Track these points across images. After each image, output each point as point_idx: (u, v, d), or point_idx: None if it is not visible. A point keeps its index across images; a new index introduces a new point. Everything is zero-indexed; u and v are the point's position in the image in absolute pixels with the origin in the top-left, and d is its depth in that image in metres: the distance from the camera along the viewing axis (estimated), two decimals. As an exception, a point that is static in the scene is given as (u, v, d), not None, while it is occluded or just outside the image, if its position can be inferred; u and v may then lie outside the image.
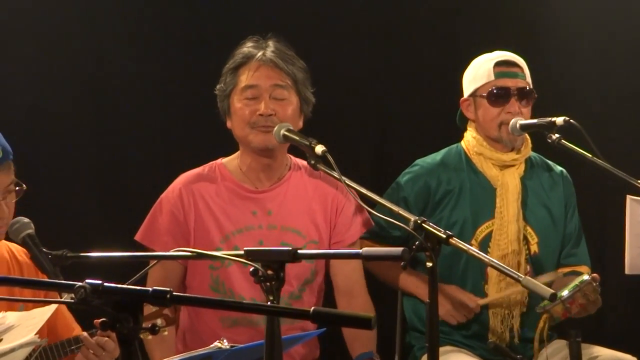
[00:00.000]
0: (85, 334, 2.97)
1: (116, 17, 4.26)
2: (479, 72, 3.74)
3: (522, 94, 3.71)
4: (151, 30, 4.34)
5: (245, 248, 2.53)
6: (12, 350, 2.42)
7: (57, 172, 3.72)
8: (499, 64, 3.71)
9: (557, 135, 3.53)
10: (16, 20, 4.08)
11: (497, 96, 3.69)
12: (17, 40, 4.13)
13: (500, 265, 3.10)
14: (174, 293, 1.88)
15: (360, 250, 3.42)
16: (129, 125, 4.28)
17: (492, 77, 3.70)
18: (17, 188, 2.98)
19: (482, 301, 3.67)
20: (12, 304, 2.77)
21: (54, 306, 2.56)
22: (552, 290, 2.95)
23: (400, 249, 2.69)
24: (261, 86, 3.43)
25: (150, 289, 1.82)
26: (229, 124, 3.52)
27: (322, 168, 3.12)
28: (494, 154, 3.79)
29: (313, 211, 3.58)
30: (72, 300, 1.85)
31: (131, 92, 4.28)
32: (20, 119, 3.82)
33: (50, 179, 3.26)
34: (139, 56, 4.31)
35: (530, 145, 3.83)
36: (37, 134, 3.61)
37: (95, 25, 4.24)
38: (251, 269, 2.52)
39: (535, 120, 3.69)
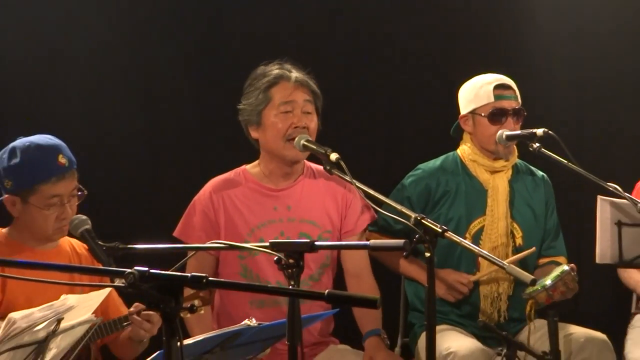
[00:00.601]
0: (132, 310, 3.04)
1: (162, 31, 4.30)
2: (479, 93, 3.77)
3: (516, 113, 3.76)
4: (196, 47, 4.39)
5: (270, 240, 2.61)
6: (72, 327, 2.45)
7: (110, 176, 3.75)
8: (497, 87, 3.75)
9: (537, 144, 3.56)
10: (70, 33, 4.11)
11: (496, 116, 3.73)
12: (74, 50, 4.16)
13: (488, 255, 3.18)
14: (209, 278, 1.95)
15: (368, 242, 3.51)
16: (170, 135, 4.33)
17: (492, 99, 3.73)
18: (79, 193, 3.06)
19: (473, 277, 3.72)
20: (73, 288, 2.80)
21: (107, 290, 2.59)
22: (532, 276, 3.01)
23: (402, 241, 2.78)
24: (296, 102, 3.48)
25: (189, 274, 1.89)
26: (254, 135, 3.55)
27: (336, 173, 3.13)
28: (486, 161, 3.84)
29: (326, 206, 3.63)
30: (123, 285, 1.91)
31: (175, 106, 4.32)
32: (76, 126, 3.86)
33: (105, 182, 3.28)
34: (181, 70, 4.35)
35: (516, 153, 3.87)
36: (93, 141, 3.63)
37: (143, 40, 4.28)
38: (275, 258, 2.58)
39: (519, 132, 3.73)
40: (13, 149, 3.04)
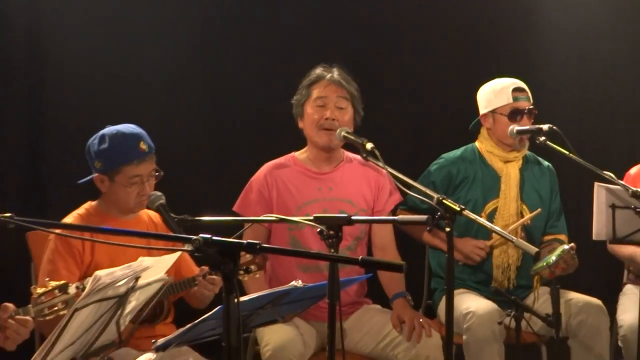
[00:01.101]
0: (198, 273, 3.06)
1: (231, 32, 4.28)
2: (499, 95, 3.74)
3: (529, 112, 3.73)
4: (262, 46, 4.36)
5: (314, 215, 2.61)
6: (148, 284, 2.45)
7: (182, 159, 3.76)
8: (515, 90, 3.72)
9: (543, 137, 3.51)
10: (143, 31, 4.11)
11: (514, 114, 3.71)
12: (153, 52, 4.17)
13: (499, 230, 3.14)
14: (262, 244, 1.95)
15: (397, 217, 3.50)
16: (231, 126, 4.33)
17: (511, 101, 3.71)
18: (156, 174, 3.09)
19: (488, 243, 3.71)
20: (149, 252, 2.82)
21: (177, 253, 2.60)
22: (536, 249, 2.98)
23: (425, 216, 2.77)
24: (328, 97, 3.47)
25: (245, 241, 1.89)
26: (300, 125, 3.56)
27: (371, 160, 3.11)
28: (500, 152, 3.81)
29: (361, 188, 3.62)
30: (191, 249, 1.92)
31: (241, 98, 4.31)
32: (155, 117, 3.88)
33: (177, 164, 3.30)
34: (243, 67, 4.32)
35: (527, 145, 3.82)
36: (168, 130, 3.63)
37: (208, 40, 4.27)
38: (318, 230, 2.57)
39: (527, 127, 3.69)
40: (102, 136, 3.06)
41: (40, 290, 2.53)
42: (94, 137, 3.09)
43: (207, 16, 4.25)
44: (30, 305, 2.50)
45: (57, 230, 2.93)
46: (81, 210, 3.16)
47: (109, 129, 3.07)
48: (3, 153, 3.91)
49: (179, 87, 4.20)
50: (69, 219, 3.14)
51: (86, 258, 3.02)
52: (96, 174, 3.07)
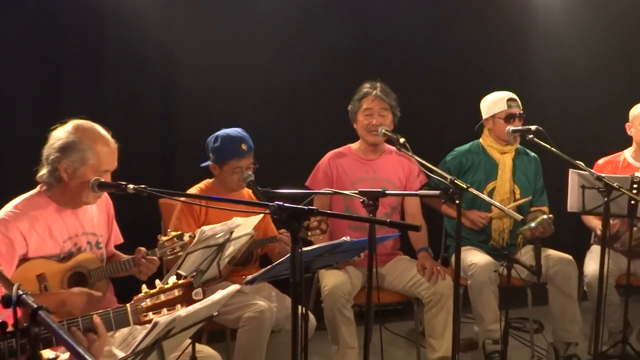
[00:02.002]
0: (280, 232, 3.08)
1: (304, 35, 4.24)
2: (497, 104, 3.67)
3: (520, 116, 3.66)
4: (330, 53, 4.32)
5: (360, 189, 2.64)
6: (239, 237, 2.49)
7: (269, 147, 3.73)
8: (509, 100, 3.66)
9: (531, 135, 3.42)
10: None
11: (509, 118, 3.64)
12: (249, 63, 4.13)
13: (496, 203, 3.11)
14: (320, 209, 1.95)
15: (420, 192, 3.49)
16: (308, 121, 4.32)
17: (506, 108, 3.64)
18: (253, 165, 3.10)
19: (488, 215, 3.68)
20: (241, 214, 2.86)
21: (260, 215, 2.62)
22: (521, 217, 3.02)
23: (439, 191, 2.78)
24: (373, 109, 3.47)
25: (306, 207, 1.91)
26: (355, 126, 3.56)
27: (404, 150, 3.09)
28: (498, 146, 3.74)
29: (397, 171, 3.61)
30: (269, 212, 1.94)
31: (314, 103, 4.29)
32: (253, 120, 3.80)
33: (265, 153, 3.30)
34: (318, 72, 4.28)
35: (518, 141, 3.76)
36: (261, 130, 3.65)
37: (290, 45, 4.22)
38: (362, 200, 2.58)
39: (520, 127, 3.63)
40: (217, 137, 3.10)
41: (164, 238, 2.60)
42: (211, 136, 3.12)
43: (293, 34, 4.23)
44: (156, 249, 2.57)
45: (182, 199, 3.00)
46: (201, 184, 3.21)
47: (222, 132, 3.10)
48: (145, 140, 3.92)
49: (269, 93, 4.19)
50: (192, 190, 3.19)
51: (201, 218, 3.06)
52: (211, 163, 3.12)
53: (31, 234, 2.35)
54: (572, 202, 3.44)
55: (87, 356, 1.13)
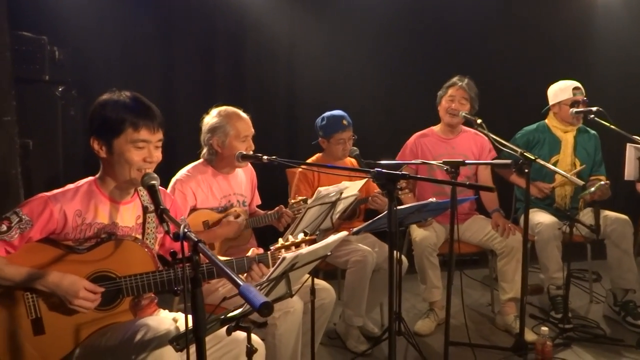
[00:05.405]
0: (374, 194, 3.01)
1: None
2: (564, 92, 3.39)
3: (583, 102, 3.36)
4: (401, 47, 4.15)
5: (444, 160, 2.51)
6: (347, 197, 2.46)
7: (370, 126, 3.71)
8: (574, 88, 3.37)
9: (592, 115, 3.15)
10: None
11: (574, 104, 3.36)
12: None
13: (560, 171, 2.89)
14: (409, 174, 1.89)
15: (493, 161, 3.29)
16: (400, 106, 4.16)
17: (571, 95, 3.36)
18: (354, 137, 3.02)
19: (551, 185, 3.41)
20: (349, 178, 2.82)
21: (364, 180, 2.58)
22: (582, 182, 2.81)
23: (510, 161, 2.62)
24: (456, 96, 3.30)
25: (400, 172, 1.85)
26: (438, 108, 3.40)
27: (480, 129, 2.92)
28: (561, 127, 3.46)
29: (471, 147, 3.42)
30: (371, 177, 1.90)
31: (404, 91, 4.14)
32: (351, 102, 3.72)
33: (366, 130, 3.24)
34: (408, 74, 4.14)
35: (581, 121, 3.45)
36: (361, 108, 3.62)
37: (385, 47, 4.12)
38: (445, 168, 2.47)
39: (582, 109, 3.33)
40: (323, 117, 3.06)
41: (293, 200, 2.65)
42: (318, 118, 3.10)
43: (389, 33, 4.10)
44: (287, 208, 2.63)
45: (300, 167, 3.00)
46: (314, 157, 3.19)
47: (326, 113, 3.07)
48: (275, 121, 3.97)
49: (370, 82, 4.10)
50: (309, 160, 3.18)
51: (315, 184, 3.04)
52: (320, 138, 3.10)
53: (197, 191, 2.51)
54: (629, 172, 3.12)
55: (234, 276, 1.14)
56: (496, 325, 3.25)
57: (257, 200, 2.87)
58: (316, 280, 2.40)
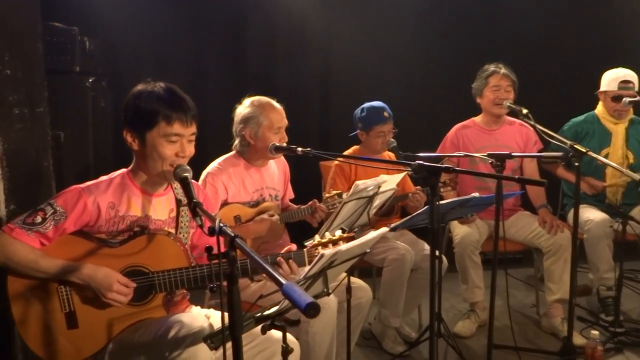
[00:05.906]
0: (414, 190, 2.95)
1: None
2: (611, 82, 3.25)
3: (632, 97, 3.20)
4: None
5: (488, 152, 2.42)
6: (385, 191, 2.39)
7: (410, 119, 3.60)
8: (623, 82, 3.21)
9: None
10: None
11: (616, 99, 3.23)
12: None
13: (613, 164, 2.74)
14: (452, 167, 1.82)
15: (541, 154, 3.17)
16: (440, 99, 4.06)
17: (617, 89, 3.22)
18: (394, 130, 2.96)
19: (603, 184, 3.28)
20: (387, 171, 2.76)
21: (403, 173, 2.51)
22: (638, 176, 2.61)
23: (561, 153, 2.50)
24: (501, 85, 3.17)
25: (443, 165, 1.78)
26: (478, 100, 3.28)
27: (526, 120, 2.78)
28: (611, 118, 3.32)
29: (516, 138, 3.29)
30: (410, 170, 1.84)
31: (443, 86, 4.03)
32: (392, 94, 3.51)
33: (407, 124, 3.16)
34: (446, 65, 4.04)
35: (631, 112, 3.31)
36: (404, 100, 3.58)
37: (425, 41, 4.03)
38: (490, 161, 2.39)
39: (634, 99, 3.18)
40: (362, 108, 2.99)
41: (327, 195, 2.60)
42: (357, 109, 3.03)
43: (426, 25, 4.02)
44: (322, 203, 2.57)
45: (336, 160, 2.95)
46: (350, 150, 3.13)
47: (366, 104, 2.99)
48: (309, 114, 3.93)
49: (406, 70, 4.02)
50: (346, 153, 3.12)
51: (351, 177, 2.99)
52: (358, 131, 3.03)
53: (229, 184, 2.47)
54: None
55: (275, 274, 1.10)
56: (541, 327, 3.13)
57: (290, 194, 2.82)
58: (352, 279, 2.35)
